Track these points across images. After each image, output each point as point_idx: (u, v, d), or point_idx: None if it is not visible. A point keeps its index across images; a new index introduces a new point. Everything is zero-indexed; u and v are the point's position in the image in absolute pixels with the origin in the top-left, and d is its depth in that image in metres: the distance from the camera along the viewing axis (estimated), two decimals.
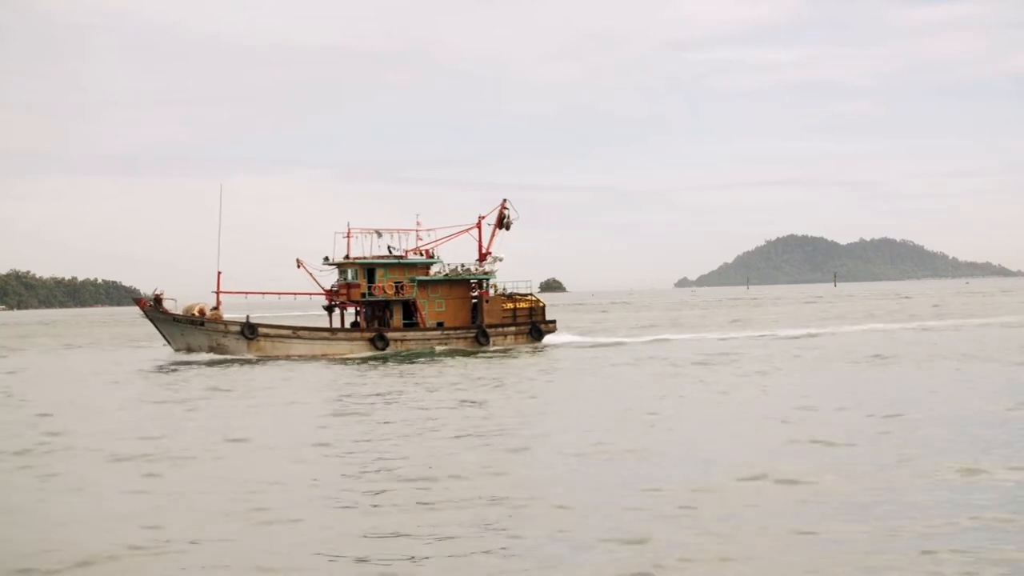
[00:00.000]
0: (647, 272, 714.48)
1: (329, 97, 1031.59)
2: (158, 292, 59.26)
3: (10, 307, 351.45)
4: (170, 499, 19.26)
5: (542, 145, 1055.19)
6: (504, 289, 65.57)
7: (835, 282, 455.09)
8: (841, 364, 44.98)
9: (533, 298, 65.49)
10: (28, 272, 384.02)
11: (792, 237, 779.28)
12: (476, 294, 64.60)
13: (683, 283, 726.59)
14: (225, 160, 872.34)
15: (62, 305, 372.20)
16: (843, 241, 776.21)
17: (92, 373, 53.37)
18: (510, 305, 64.42)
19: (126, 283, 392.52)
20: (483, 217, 65.68)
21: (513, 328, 64.08)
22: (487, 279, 64.68)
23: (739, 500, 17.86)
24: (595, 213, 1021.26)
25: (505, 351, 59.74)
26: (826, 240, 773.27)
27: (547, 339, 64.77)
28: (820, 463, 20.95)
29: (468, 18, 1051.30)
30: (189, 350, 58.97)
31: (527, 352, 58.52)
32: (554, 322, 66.25)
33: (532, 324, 64.53)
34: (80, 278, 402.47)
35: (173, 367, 54.03)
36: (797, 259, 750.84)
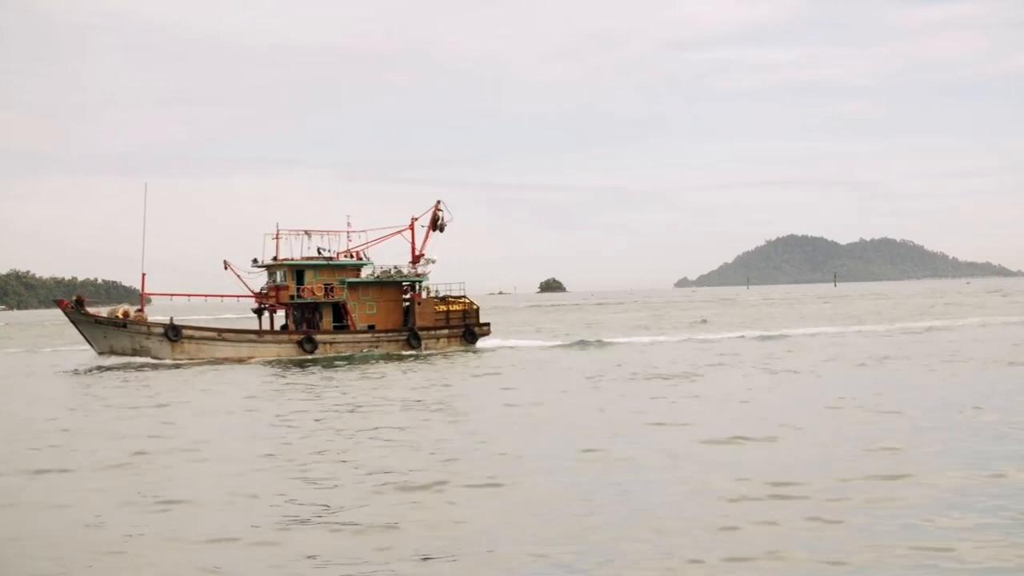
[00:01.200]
0: (647, 272, 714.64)
1: (329, 97, 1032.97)
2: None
3: (10, 307, 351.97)
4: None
5: (542, 145, 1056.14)
6: (437, 291, 64.86)
7: (835, 282, 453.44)
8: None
9: (467, 300, 64.71)
10: (28, 272, 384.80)
11: (792, 237, 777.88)
12: (408, 296, 63.91)
13: (683, 283, 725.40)
14: (225, 160, 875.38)
15: None
16: (843, 241, 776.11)
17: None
18: (443, 307, 63.69)
19: (126, 283, 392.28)
20: (416, 219, 65.04)
21: (446, 331, 63.35)
22: (419, 281, 64.00)
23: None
24: (595, 213, 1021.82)
25: (437, 354, 59.03)
26: (826, 240, 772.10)
27: (481, 342, 64.05)
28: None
29: (468, 18, 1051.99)
30: (112, 353, 58.38)
31: (458, 355, 57.78)
32: (488, 325, 65.41)
33: (465, 327, 63.79)
34: (80, 278, 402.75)
35: (87, 370, 53.45)
36: (797, 259, 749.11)
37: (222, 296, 61.66)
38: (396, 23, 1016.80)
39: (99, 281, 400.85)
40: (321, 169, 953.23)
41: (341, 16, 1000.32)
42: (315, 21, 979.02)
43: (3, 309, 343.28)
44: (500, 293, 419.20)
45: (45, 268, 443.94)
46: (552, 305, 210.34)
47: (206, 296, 62.29)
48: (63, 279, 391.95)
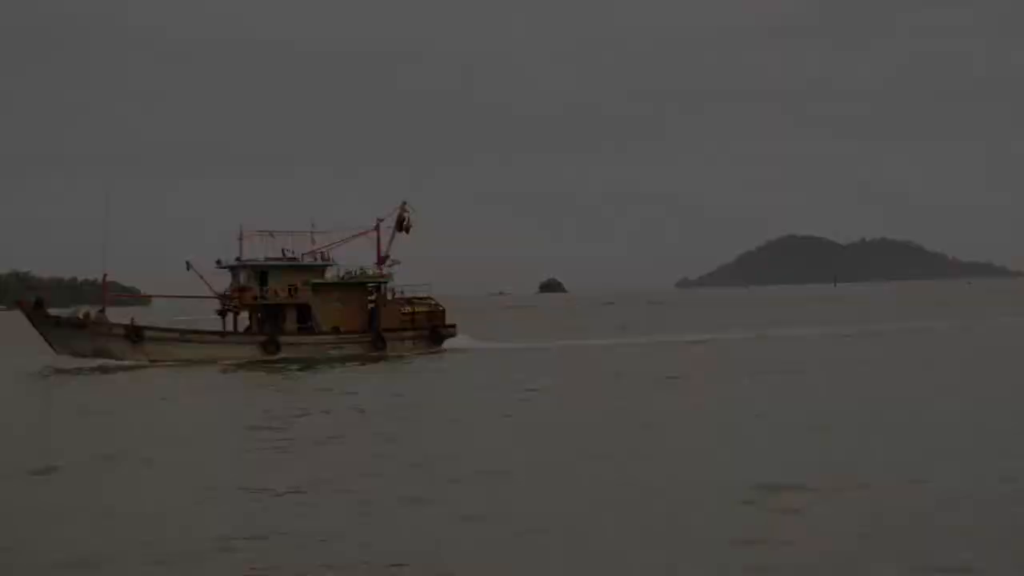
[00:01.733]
0: (647, 272, 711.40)
1: (329, 97, 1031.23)
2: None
3: (10, 307, 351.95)
4: None
5: (543, 145, 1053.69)
6: (402, 292, 64.54)
7: (835, 282, 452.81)
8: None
9: (432, 302, 64.42)
10: (28, 272, 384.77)
11: (792, 237, 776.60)
12: (373, 298, 63.58)
13: (683, 283, 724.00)
14: (226, 160, 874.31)
15: (62, 305, 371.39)
16: (843, 241, 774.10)
17: None
18: (408, 309, 63.36)
19: (126, 283, 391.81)
20: (381, 220, 64.69)
21: (411, 333, 62.93)
22: (385, 283, 63.71)
23: None
24: (596, 213, 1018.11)
25: (403, 356, 58.80)
26: (826, 240, 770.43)
27: (447, 343, 63.67)
28: None
29: (468, 18, 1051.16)
30: (73, 354, 57.91)
31: (423, 358, 57.53)
32: (454, 326, 65.02)
33: (431, 328, 63.42)
34: (80, 278, 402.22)
35: (40, 373, 53.14)
36: (797, 259, 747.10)
37: (180, 296, 61.41)
38: (396, 23, 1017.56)
39: (99, 281, 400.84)
40: (321, 169, 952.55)
41: (342, 16, 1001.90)
42: (316, 21, 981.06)
43: (3, 309, 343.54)
44: (500, 294, 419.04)
45: (45, 268, 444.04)
46: (547, 306, 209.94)
47: (167, 297, 62.04)
48: (63, 279, 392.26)
